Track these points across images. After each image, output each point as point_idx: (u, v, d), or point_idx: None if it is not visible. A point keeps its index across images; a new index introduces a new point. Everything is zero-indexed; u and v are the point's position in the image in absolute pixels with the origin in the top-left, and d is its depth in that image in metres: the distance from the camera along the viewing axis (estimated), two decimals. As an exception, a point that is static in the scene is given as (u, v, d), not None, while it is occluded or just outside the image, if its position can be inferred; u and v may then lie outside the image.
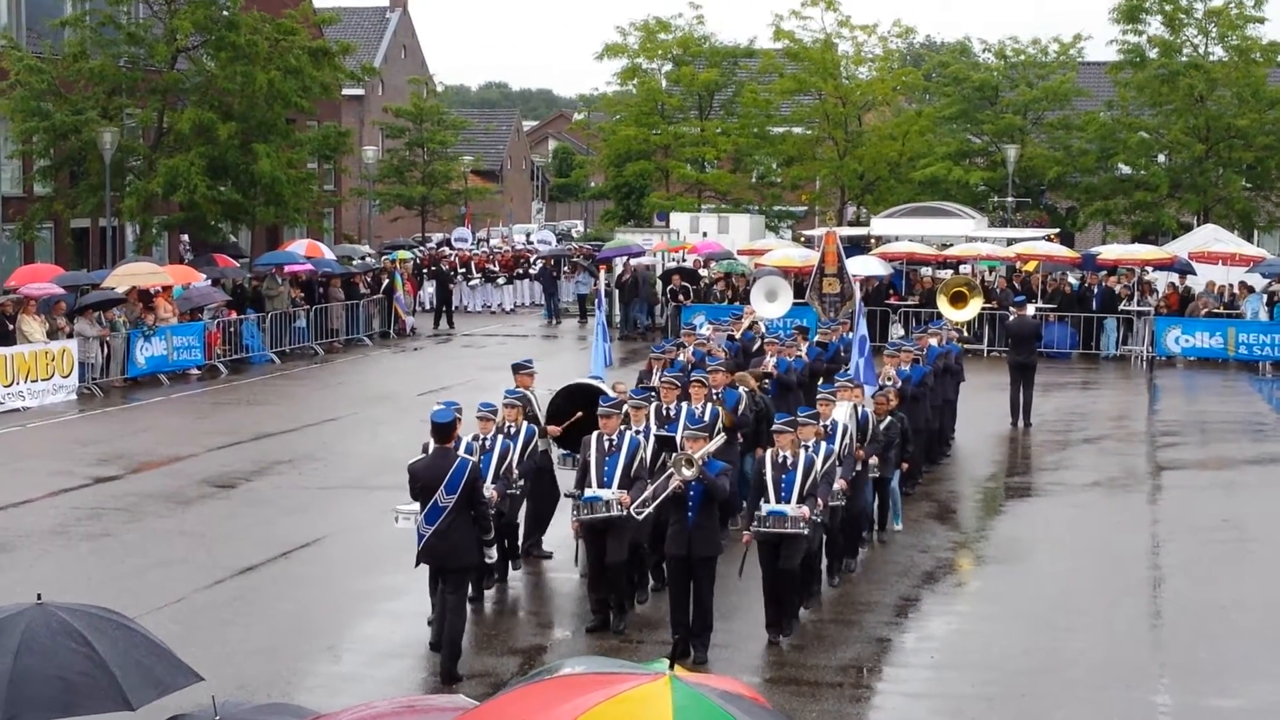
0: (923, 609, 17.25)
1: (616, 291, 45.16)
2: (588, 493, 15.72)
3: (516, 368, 19.21)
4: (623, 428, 16.10)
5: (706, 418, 17.69)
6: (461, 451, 15.07)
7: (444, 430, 14.62)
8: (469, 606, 15.51)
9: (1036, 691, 14.35)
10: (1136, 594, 17.77)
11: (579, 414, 18.46)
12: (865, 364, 21.71)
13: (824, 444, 16.35)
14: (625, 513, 15.46)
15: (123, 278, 35.00)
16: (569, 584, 17.94)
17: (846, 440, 17.79)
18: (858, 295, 27.87)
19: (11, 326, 31.11)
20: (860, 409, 18.91)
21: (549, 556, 18.79)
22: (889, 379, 21.60)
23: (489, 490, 15.64)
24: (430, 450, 14.97)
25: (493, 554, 15.13)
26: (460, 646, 14.65)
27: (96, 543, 19.71)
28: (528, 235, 64.63)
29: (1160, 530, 21.03)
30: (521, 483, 17.16)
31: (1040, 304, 39.44)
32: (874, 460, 19.01)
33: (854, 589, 17.78)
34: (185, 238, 46.17)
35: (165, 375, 34.26)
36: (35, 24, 46.17)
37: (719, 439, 16.66)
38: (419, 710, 7.63)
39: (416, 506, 15.28)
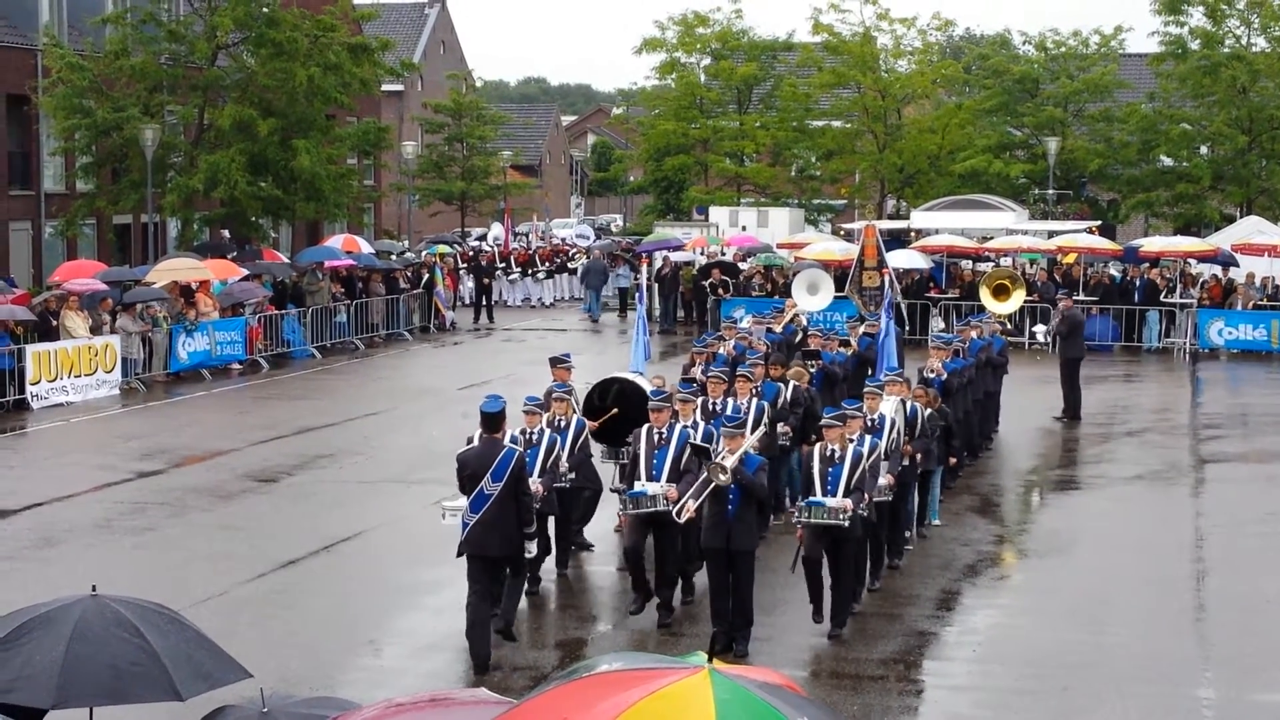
0: (964, 602, 17.19)
1: (656, 286, 45.12)
2: (635, 486, 15.72)
3: (554, 361, 19.25)
4: (671, 421, 16.08)
5: (751, 413, 17.68)
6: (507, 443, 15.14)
7: (493, 420, 14.74)
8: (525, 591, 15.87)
9: (1079, 685, 14.27)
10: (1180, 587, 17.66)
11: (615, 410, 18.50)
12: (884, 356, 22.04)
13: (869, 438, 16.31)
14: (672, 507, 15.45)
15: (164, 273, 35.19)
16: (610, 577, 17.95)
17: (894, 435, 17.74)
18: (888, 289, 27.85)
19: (55, 322, 31.31)
20: (909, 404, 18.87)
21: (590, 548, 18.80)
22: (933, 370, 21.54)
23: (534, 484, 15.66)
24: (478, 440, 14.99)
25: (533, 549, 15.13)
26: (512, 626, 14.86)
27: (140, 537, 19.82)
28: (577, 232, 64.58)
29: (1204, 524, 20.90)
30: (572, 476, 17.16)
31: (1082, 296, 39.28)
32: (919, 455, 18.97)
33: (895, 582, 17.73)
34: (225, 232, 46.34)
35: (207, 370, 34.41)
36: (77, 22, 46.41)
37: (759, 432, 16.64)
38: (441, 705, 7.61)
39: (463, 502, 15.37)
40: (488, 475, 14.36)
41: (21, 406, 29.43)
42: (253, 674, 9.56)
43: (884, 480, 16.83)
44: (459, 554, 14.73)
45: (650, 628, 15.85)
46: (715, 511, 15.00)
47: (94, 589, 9.25)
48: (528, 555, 15.03)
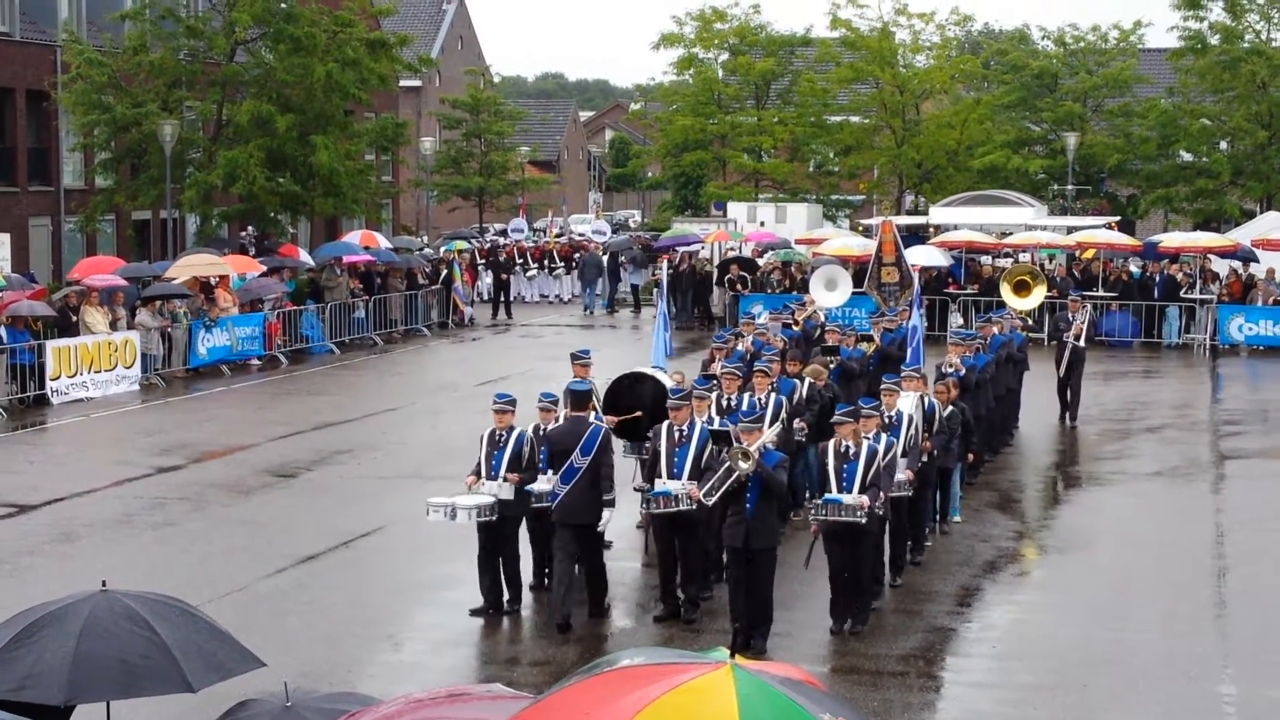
0: (984, 598, 17.16)
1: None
2: (657, 485, 15.71)
3: (574, 358, 19.24)
4: (691, 418, 16.05)
5: (769, 408, 17.66)
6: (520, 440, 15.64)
7: (582, 398, 15.94)
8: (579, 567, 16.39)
9: (1099, 682, 14.24)
10: (1200, 584, 17.61)
11: (639, 413, 18.45)
12: (913, 352, 22.03)
13: (885, 435, 16.27)
14: (695, 505, 15.43)
15: (183, 268, 35.27)
16: (629, 573, 17.93)
17: (912, 431, 17.70)
18: (916, 284, 27.78)
19: (75, 318, 31.38)
20: (927, 400, 18.83)
21: (608, 546, 18.76)
22: (951, 366, 21.50)
23: (545, 480, 15.77)
24: (567, 420, 16.02)
25: (608, 515, 15.87)
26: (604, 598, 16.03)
27: (159, 532, 19.86)
28: (594, 227, 64.61)
29: (1224, 520, 20.85)
30: None
31: (1101, 292, 39.21)
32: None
33: (915, 578, 17.70)
34: (250, 230, 46.38)
35: (226, 366, 34.47)
36: (96, 18, 46.50)
37: (776, 428, 16.60)
38: (460, 700, 7.58)
39: (447, 500, 15.95)
40: (577, 450, 15.47)
41: (42, 402, 29.51)
42: (266, 663, 9.55)
43: (903, 476, 16.81)
44: (552, 519, 15.73)
45: (672, 623, 15.83)
46: (734, 510, 14.98)
47: (104, 584, 9.25)
48: (604, 523, 15.82)
